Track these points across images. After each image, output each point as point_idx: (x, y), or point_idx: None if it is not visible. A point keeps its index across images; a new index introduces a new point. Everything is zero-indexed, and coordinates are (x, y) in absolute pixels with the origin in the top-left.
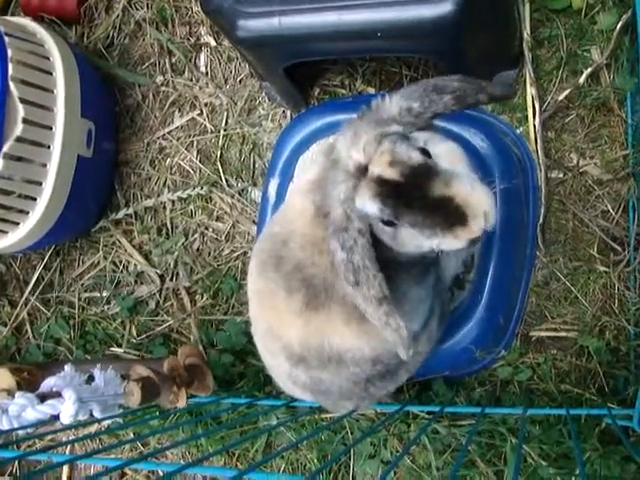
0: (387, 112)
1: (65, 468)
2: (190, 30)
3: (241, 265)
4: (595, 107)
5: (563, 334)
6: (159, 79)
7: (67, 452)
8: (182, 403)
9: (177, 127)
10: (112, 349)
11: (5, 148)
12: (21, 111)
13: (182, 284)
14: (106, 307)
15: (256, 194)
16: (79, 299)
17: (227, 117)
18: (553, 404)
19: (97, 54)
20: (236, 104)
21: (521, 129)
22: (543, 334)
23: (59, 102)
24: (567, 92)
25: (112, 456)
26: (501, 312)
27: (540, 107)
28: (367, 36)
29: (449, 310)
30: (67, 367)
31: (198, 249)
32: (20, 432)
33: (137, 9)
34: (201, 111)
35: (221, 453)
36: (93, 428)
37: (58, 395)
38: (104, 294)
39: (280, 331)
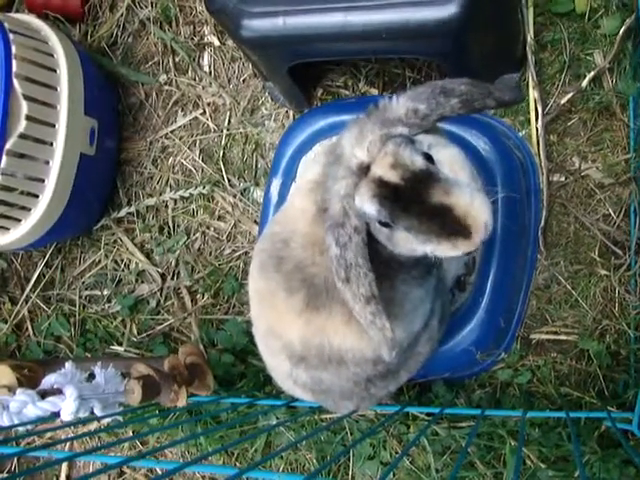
0: (394, 112)
1: (64, 465)
2: (194, 29)
3: (242, 265)
4: (597, 111)
5: (563, 337)
6: (162, 78)
7: (66, 449)
8: (182, 402)
9: (180, 126)
10: (112, 347)
11: (8, 145)
12: (24, 108)
13: (183, 283)
14: (107, 305)
15: (258, 194)
16: (80, 297)
17: (230, 117)
18: (553, 407)
19: (101, 52)
20: (239, 104)
21: (523, 132)
22: (543, 337)
23: (62, 99)
24: (570, 96)
25: (111, 454)
26: (502, 314)
27: (543, 110)
28: (371, 37)
29: (450, 311)
30: (68, 364)
31: (199, 248)
32: (20, 429)
33: (141, 8)
34: (204, 110)
35: (220, 452)
36: (92, 426)
37: (59, 392)
38: (105, 292)
39: (281, 330)
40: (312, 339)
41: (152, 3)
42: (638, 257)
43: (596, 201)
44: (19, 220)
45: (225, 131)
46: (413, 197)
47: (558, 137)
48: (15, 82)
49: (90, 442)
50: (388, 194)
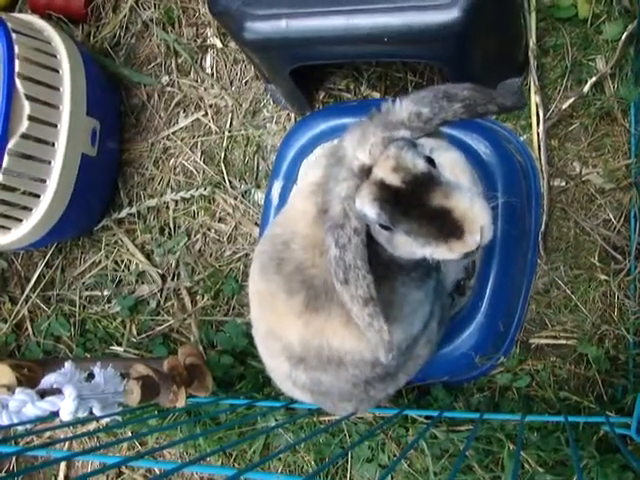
0: (396, 116)
1: (62, 465)
2: (197, 31)
3: (242, 267)
4: (599, 116)
5: (562, 342)
6: (165, 79)
7: (65, 449)
8: (181, 403)
9: (182, 128)
10: (112, 348)
11: (10, 144)
12: (27, 108)
13: (183, 284)
14: (107, 306)
15: (259, 196)
16: (80, 297)
17: (232, 119)
18: (551, 411)
19: (103, 53)
20: (241, 106)
21: (525, 137)
22: (543, 341)
23: (65, 100)
24: (571, 101)
25: (110, 454)
26: (501, 319)
27: (544, 115)
28: (374, 41)
29: (449, 315)
30: (67, 364)
31: (200, 250)
32: (19, 428)
33: (144, 9)
34: (206, 112)
35: (219, 453)
36: (91, 426)
37: (58, 392)
38: (105, 293)
39: (280, 332)
40: (311, 340)
41: (155, 4)
42: (638, 262)
43: (596, 206)
44: (20, 220)
45: (227, 133)
46: (414, 200)
47: (559, 142)
48: (17, 82)
49: (89, 442)
50: (389, 197)
